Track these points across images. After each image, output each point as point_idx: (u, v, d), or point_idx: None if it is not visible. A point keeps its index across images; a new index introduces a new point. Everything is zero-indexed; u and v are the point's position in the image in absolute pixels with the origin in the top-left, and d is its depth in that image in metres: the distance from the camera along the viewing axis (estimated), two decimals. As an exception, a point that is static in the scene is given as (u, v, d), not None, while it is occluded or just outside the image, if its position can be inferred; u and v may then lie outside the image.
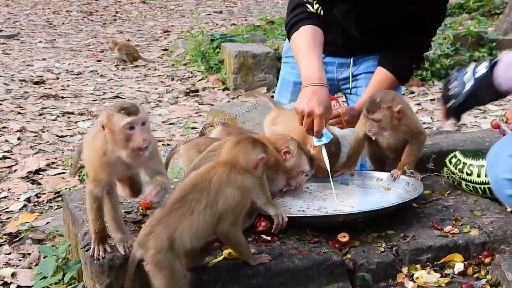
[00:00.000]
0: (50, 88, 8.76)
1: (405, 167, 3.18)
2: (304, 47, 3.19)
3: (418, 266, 2.69)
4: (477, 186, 3.17)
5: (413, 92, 8.25)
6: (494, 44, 9.33)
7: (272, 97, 4.17)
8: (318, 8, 3.27)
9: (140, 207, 3.05)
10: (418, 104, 7.72)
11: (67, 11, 16.85)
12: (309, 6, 3.29)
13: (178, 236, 2.27)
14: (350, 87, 3.90)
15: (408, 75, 3.77)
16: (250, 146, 2.48)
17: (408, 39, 3.59)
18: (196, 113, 7.57)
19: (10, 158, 5.73)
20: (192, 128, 6.73)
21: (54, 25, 14.78)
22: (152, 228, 2.29)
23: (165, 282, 2.28)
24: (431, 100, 7.92)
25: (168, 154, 3.09)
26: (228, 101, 8.01)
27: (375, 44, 3.74)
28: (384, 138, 3.23)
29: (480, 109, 7.47)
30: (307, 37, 3.22)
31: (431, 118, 7.09)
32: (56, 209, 4.47)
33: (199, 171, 2.46)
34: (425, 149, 3.83)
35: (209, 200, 2.32)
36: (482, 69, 2.62)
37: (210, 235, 2.39)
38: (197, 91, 8.74)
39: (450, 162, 3.31)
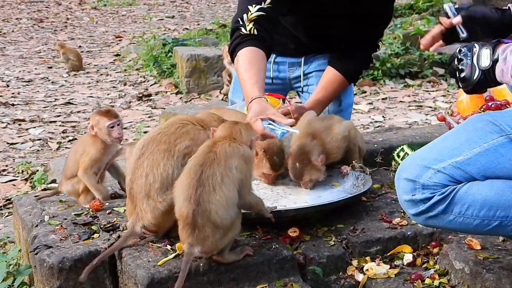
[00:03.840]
0: (1, 96, 8.64)
1: (353, 162, 3.22)
2: (242, 72, 3.25)
3: (367, 258, 2.72)
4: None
5: (365, 92, 8.33)
6: (443, 43, 9.43)
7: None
8: (250, 28, 3.31)
9: (90, 209, 3.04)
10: (370, 103, 7.80)
11: (17, 18, 16.63)
12: (242, 28, 3.33)
13: (215, 215, 2.34)
14: (302, 86, 3.95)
15: (357, 75, 3.84)
16: (248, 127, 2.67)
17: (357, 41, 3.68)
18: (149, 117, 7.53)
19: (-41, 166, 5.65)
20: (145, 132, 6.70)
21: (4, 33, 14.57)
22: (191, 224, 2.35)
23: (235, 253, 2.53)
24: (382, 99, 8.01)
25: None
26: (181, 104, 7.99)
27: (325, 47, 3.82)
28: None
29: (431, 107, 7.59)
30: (242, 63, 3.28)
31: (383, 116, 7.17)
32: (7, 216, 4.42)
33: (199, 151, 2.50)
34: (375, 145, 3.89)
35: (222, 170, 2.39)
36: (485, 60, 2.42)
37: (237, 200, 2.45)
38: (149, 95, 8.70)
39: (398, 156, 3.35)
